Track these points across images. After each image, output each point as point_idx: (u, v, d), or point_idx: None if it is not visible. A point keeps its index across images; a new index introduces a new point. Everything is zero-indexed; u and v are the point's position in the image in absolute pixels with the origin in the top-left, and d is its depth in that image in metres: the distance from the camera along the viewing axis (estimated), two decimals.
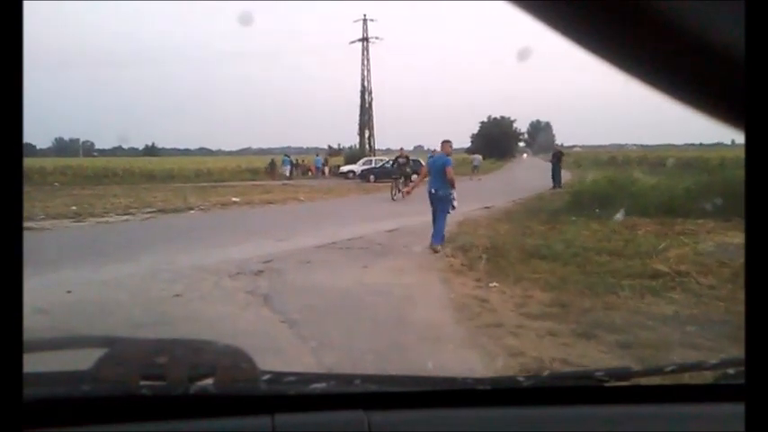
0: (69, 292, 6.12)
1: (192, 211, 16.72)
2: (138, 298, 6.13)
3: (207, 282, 6.93)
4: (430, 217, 9.50)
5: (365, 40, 51.81)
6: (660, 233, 9.82)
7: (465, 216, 13.58)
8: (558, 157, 24.94)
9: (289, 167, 37.12)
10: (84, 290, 6.33)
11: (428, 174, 9.90)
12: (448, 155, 9.83)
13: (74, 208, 16.74)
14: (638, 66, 0.44)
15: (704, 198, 11.76)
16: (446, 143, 10.08)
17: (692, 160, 42.68)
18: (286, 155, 39.94)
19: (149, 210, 16.86)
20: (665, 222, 10.91)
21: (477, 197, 18.85)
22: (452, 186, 9.41)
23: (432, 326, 4.97)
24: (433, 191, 9.54)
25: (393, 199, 19.66)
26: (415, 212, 13.24)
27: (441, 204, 9.39)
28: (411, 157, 39.17)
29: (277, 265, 7.88)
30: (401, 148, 24.22)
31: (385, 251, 9.06)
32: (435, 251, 8.92)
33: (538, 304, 5.62)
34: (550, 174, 24.57)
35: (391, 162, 22.81)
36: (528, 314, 5.27)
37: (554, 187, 22.92)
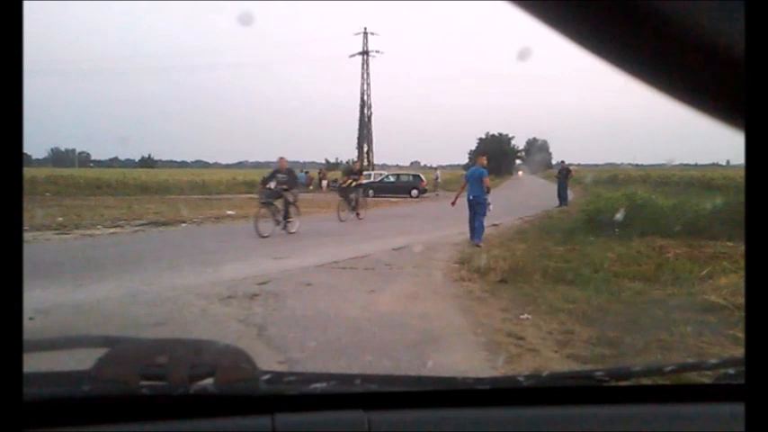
0: (32, 318, 5.23)
1: (185, 225, 15.83)
2: (111, 326, 5.25)
3: (194, 307, 6.06)
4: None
5: (365, 53, 51.22)
6: (692, 257, 9.00)
7: None
8: (565, 174, 24.11)
9: (273, 183, 37.23)
10: (50, 316, 5.46)
11: (466, 183, 11.85)
12: (483, 167, 11.76)
13: (60, 219, 15.91)
14: (639, 66, 0.44)
15: (732, 219, 10.98)
16: (482, 156, 12.39)
17: (694, 179, 42.19)
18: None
19: (140, 222, 16.06)
20: (693, 244, 10.08)
21: None
22: (487, 192, 11.48)
23: (465, 374, 4.09)
24: (471, 197, 11.42)
25: (261, 236, 12.30)
26: (420, 231, 12.54)
27: (479, 208, 11.33)
28: (411, 173, 39.00)
29: (274, 287, 7.01)
30: (280, 158, 14.15)
31: (393, 273, 8.17)
32: (477, 246, 10.77)
33: (583, 343, 4.75)
34: (552, 191, 23.75)
35: (263, 181, 13.97)
36: (576, 356, 4.40)
37: (560, 205, 22.18)
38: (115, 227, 15.01)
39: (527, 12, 0.42)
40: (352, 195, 17.18)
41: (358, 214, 17.15)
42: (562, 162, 25.66)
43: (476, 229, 11.32)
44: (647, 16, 0.40)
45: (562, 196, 23.10)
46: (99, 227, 14.94)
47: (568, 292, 6.76)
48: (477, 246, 10.83)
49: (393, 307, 6.05)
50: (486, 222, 13.73)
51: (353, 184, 17.34)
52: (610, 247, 10.07)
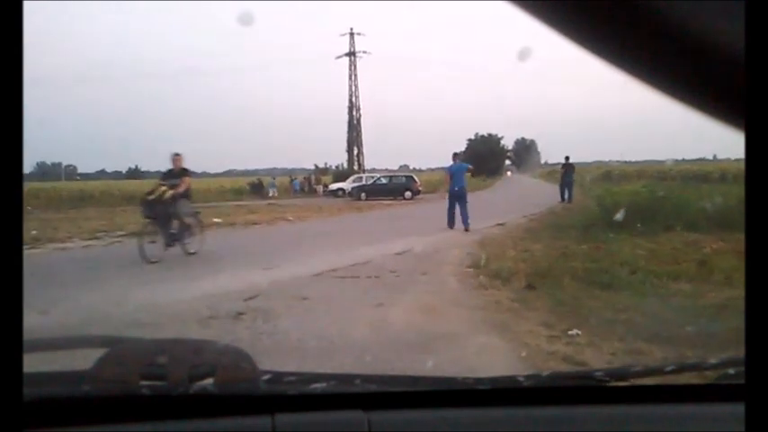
0: None
1: None
2: (66, 360, 4.16)
3: (166, 330, 4.97)
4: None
5: (352, 54, 50.18)
6: (734, 252, 8.00)
7: (482, 234, 11.85)
8: (568, 170, 23.19)
9: (274, 189, 38.79)
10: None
11: (450, 177, 13.76)
12: (463, 161, 14.36)
13: (34, 233, 14.71)
14: (638, 66, 0.44)
15: None
16: (457, 155, 14.25)
17: (691, 173, 41.60)
18: (273, 178, 42.25)
19: (119, 233, 14.92)
20: (726, 238, 9.13)
21: (485, 213, 17.19)
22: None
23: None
24: (456, 188, 13.35)
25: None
26: (420, 233, 11.53)
27: (461, 198, 13.25)
28: (404, 174, 38.03)
29: (263, 303, 5.93)
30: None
31: (401, 281, 7.10)
32: (467, 230, 12.71)
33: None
34: (547, 189, 22.98)
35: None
36: None
37: (562, 201, 21.37)
38: (92, 239, 13.91)
39: (524, 11, 0.42)
40: (171, 214, 9.58)
41: (186, 246, 9.81)
42: (566, 158, 24.65)
43: (462, 215, 13.13)
44: (647, 16, 0.39)
45: (566, 193, 22.30)
46: (75, 239, 13.84)
47: (610, 297, 5.76)
48: (466, 230, 12.69)
49: (409, 325, 4.99)
50: (490, 222, 13.59)
51: (169, 194, 9.57)
52: (637, 244, 9.11)
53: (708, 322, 4.70)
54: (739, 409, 0.58)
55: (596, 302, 5.52)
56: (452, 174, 13.71)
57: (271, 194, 37.11)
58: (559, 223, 13.52)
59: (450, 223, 13.24)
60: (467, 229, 12.68)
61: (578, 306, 5.39)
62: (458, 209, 13.21)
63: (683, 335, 4.35)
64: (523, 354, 4.07)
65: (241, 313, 5.49)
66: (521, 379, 1.25)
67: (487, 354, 4.14)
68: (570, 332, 4.52)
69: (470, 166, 13.97)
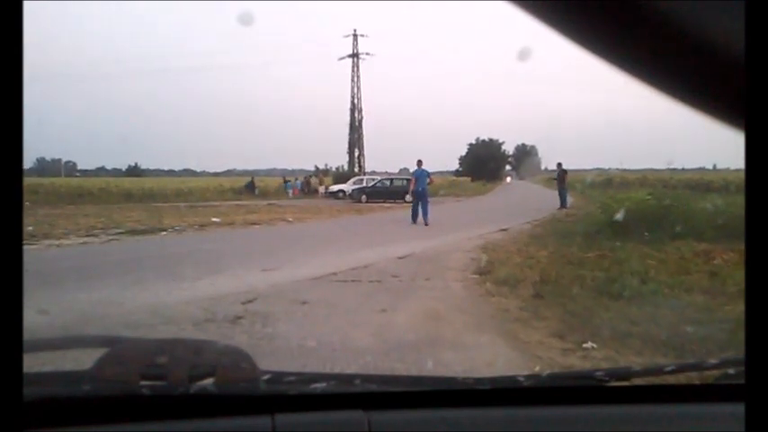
0: None
1: (165, 233, 14.46)
2: (66, 360, 3.93)
3: (159, 334, 4.77)
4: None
5: (355, 55, 49.94)
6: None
7: (485, 239, 11.65)
8: (561, 176, 23.02)
9: (291, 190, 40.07)
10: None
11: (415, 180, 16.83)
12: (422, 168, 16.81)
13: (30, 228, 14.52)
14: (638, 66, 0.43)
15: None
16: (420, 161, 16.95)
17: (692, 182, 41.40)
18: (288, 179, 43.08)
19: (116, 231, 14.70)
20: (736, 249, 8.90)
21: (487, 218, 17.02)
22: (430, 183, 16.95)
23: None
24: (420, 189, 16.35)
25: None
26: (422, 237, 11.38)
27: (424, 198, 16.27)
28: (406, 177, 37.88)
29: (262, 306, 5.71)
30: None
31: (404, 286, 6.89)
32: (426, 224, 15.40)
33: None
34: (544, 195, 22.84)
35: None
36: None
37: (560, 208, 21.18)
38: (88, 236, 13.67)
39: (526, 11, 0.41)
40: None
41: None
42: (559, 164, 24.35)
43: (424, 213, 15.97)
44: (647, 16, 0.39)
45: (562, 198, 22.14)
46: (71, 236, 13.60)
47: (622, 308, 5.54)
48: (426, 225, 15.27)
49: (414, 332, 4.77)
50: (493, 227, 13.56)
51: None
52: (645, 253, 8.87)
53: (726, 337, 4.48)
54: (739, 409, 0.58)
55: (608, 313, 5.31)
56: (416, 178, 16.89)
57: (290, 195, 38.04)
58: (564, 230, 13.29)
59: (414, 218, 16.11)
60: (426, 224, 15.44)
61: (590, 317, 5.17)
62: (422, 207, 16.12)
63: (703, 350, 4.14)
64: (537, 368, 3.85)
65: (239, 317, 5.28)
66: (521, 379, 1.25)
67: (498, 366, 3.92)
68: (585, 345, 4.30)
69: (430, 173, 17.08)
